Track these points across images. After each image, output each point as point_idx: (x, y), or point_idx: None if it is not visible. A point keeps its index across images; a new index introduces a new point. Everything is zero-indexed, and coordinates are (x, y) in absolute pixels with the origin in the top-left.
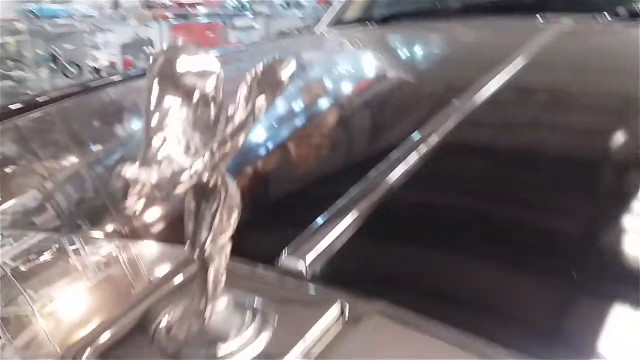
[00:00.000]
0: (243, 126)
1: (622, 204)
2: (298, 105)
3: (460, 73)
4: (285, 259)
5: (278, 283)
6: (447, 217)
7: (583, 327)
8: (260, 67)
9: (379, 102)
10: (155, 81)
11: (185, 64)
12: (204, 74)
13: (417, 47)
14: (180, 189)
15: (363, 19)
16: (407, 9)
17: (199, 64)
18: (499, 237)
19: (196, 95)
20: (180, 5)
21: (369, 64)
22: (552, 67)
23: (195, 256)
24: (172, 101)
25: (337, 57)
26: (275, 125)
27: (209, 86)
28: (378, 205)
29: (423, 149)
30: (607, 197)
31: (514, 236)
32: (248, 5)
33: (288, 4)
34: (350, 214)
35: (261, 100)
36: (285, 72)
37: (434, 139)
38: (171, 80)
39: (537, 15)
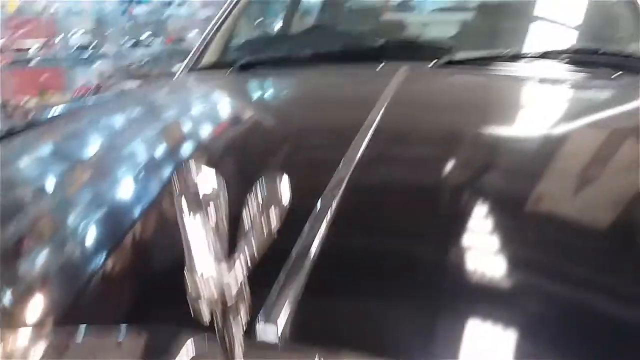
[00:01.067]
0: (262, 240)
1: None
2: (163, 159)
3: (323, 120)
4: (261, 328)
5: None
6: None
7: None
8: (263, 187)
9: (243, 150)
10: (183, 201)
11: (202, 183)
12: (216, 191)
13: (280, 94)
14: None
15: (222, 65)
16: (263, 57)
17: (211, 182)
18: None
19: (212, 209)
20: (18, 50)
21: (230, 113)
22: (411, 111)
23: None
24: (198, 217)
25: (196, 107)
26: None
27: (222, 200)
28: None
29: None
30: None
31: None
32: (92, 47)
33: (136, 44)
34: (303, 271)
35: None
36: (285, 192)
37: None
38: (194, 199)
39: (379, 62)
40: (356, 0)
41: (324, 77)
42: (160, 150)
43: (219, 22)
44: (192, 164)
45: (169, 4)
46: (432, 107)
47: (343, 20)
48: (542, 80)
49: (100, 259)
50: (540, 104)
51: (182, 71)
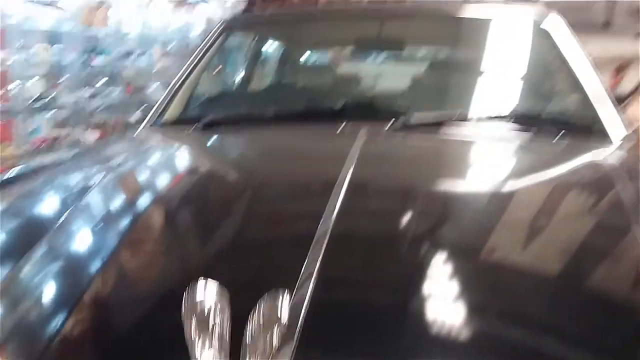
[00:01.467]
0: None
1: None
2: (125, 217)
3: (299, 178)
4: None
5: None
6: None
7: None
8: (261, 307)
9: (224, 211)
10: (191, 323)
11: (208, 302)
12: (222, 307)
13: (250, 153)
14: None
15: (184, 121)
16: (226, 115)
17: (217, 299)
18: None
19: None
20: None
21: (201, 173)
22: (377, 170)
23: None
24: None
25: (165, 168)
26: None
27: (227, 316)
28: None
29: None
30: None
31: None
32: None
33: (94, 96)
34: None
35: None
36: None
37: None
38: (201, 321)
39: (339, 122)
40: (313, 60)
41: (290, 137)
42: (126, 213)
43: (182, 78)
44: (200, 284)
45: (129, 54)
46: (396, 166)
47: (302, 80)
48: (490, 141)
49: (60, 319)
50: (489, 163)
51: (144, 126)
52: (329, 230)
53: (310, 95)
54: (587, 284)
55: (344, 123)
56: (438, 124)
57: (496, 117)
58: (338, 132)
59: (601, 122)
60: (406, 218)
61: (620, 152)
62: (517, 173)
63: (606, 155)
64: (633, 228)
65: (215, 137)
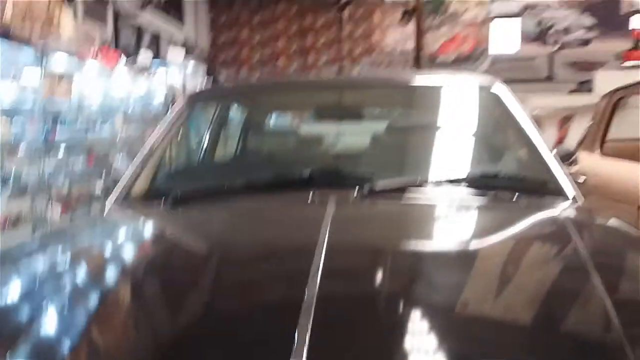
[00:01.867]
0: None
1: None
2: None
3: (281, 247)
4: None
5: None
6: None
7: None
8: None
9: (214, 282)
10: None
11: None
12: None
13: (225, 226)
14: None
15: (152, 196)
16: (196, 189)
17: None
18: None
19: None
20: None
21: (171, 250)
22: (350, 235)
23: None
24: None
25: (134, 249)
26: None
27: None
28: None
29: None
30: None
31: None
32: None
33: (56, 167)
34: None
35: None
36: None
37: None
38: None
39: (308, 191)
40: (278, 130)
41: (263, 209)
42: (105, 303)
43: (149, 151)
44: None
45: (92, 124)
46: (368, 232)
47: (268, 150)
48: (451, 204)
49: None
50: (458, 224)
51: (112, 201)
52: (315, 297)
53: (277, 166)
54: (556, 328)
55: (312, 192)
56: (401, 190)
57: (456, 181)
58: (309, 201)
59: (556, 180)
60: (385, 279)
61: (575, 206)
62: (483, 232)
63: (564, 210)
64: (592, 276)
65: (186, 213)
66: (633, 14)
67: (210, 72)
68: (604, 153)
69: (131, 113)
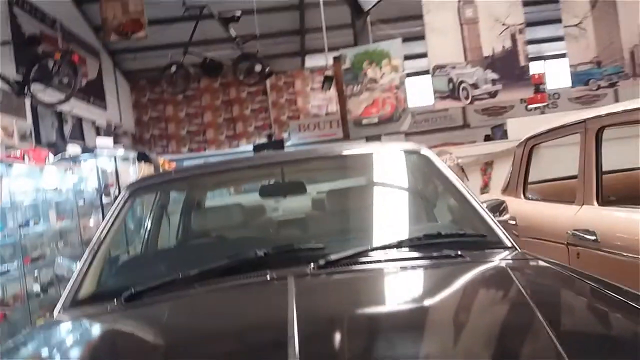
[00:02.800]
0: None
1: None
2: None
3: (252, 332)
4: None
5: None
6: None
7: None
8: None
9: None
10: None
11: None
12: None
13: (182, 320)
14: None
15: (101, 297)
16: (148, 284)
17: None
18: None
19: None
20: None
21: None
22: (318, 309)
23: None
24: None
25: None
26: None
27: None
28: None
29: None
30: None
31: None
32: None
33: None
34: None
35: None
36: None
37: None
38: None
39: (264, 270)
40: (221, 213)
41: (223, 295)
42: None
43: (94, 249)
44: None
45: (25, 224)
46: (331, 300)
47: (214, 235)
48: (400, 267)
49: None
50: (407, 286)
51: (60, 309)
52: None
53: (227, 248)
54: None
55: (268, 271)
56: (352, 258)
57: (402, 244)
58: (268, 280)
59: (495, 233)
60: (358, 341)
61: (513, 254)
62: (435, 290)
63: (504, 259)
64: (535, 312)
65: (143, 311)
66: (531, 61)
67: (140, 156)
68: (526, 197)
69: (64, 206)
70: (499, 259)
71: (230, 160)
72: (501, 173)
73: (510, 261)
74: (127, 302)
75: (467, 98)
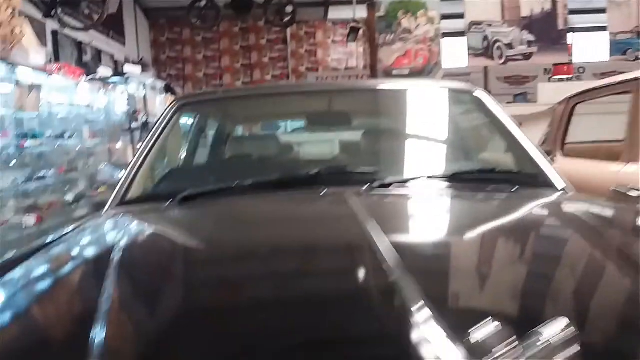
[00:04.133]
0: None
1: None
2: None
3: (327, 241)
4: None
5: None
6: None
7: None
8: None
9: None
10: None
11: None
12: None
13: (249, 223)
14: None
15: (155, 198)
16: (204, 188)
17: None
18: None
19: None
20: None
21: (206, 249)
22: (397, 224)
23: None
24: None
25: (161, 244)
26: None
27: None
28: None
29: None
30: None
31: None
32: None
33: (29, 179)
34: None
35: None
36: None
37: None
38: None
39: (320, 187)
40: (267, 133)
41: (285, 202)
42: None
43: (142, 156)
44: None
45: (61, 136)
46: (408, 221)
47: (264, 151)
48: (458, 196)
49: None
50: (471, 213)
51: (109, 207)
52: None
53: (278, 167)
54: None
55: (323, 187)
56: (408, 183)
57: (457, 175)
58: (323, 195)
59: (545, 174)
60: (465, 262)
61: (567, 196)
62: (499, 216)
63: (560, 197)
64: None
65: (202, 210)
66: (569, 32)
67: (167, 87)
68: (565, 155)
69: (95, 126)
70: (556, 197)
71: (280, 85)
72: (530, 136)
73: (569, 200)
74: (183, 203)
75: (500, 57)
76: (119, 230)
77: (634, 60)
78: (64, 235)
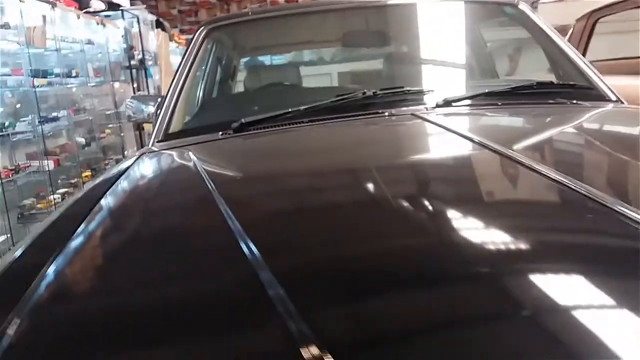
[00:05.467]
0: None
1: None
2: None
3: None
4: None
5: None
6: None
7: None
8: None
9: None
10: None
11: None
12: None
13: (325, 146)
14: None
15: (201, 130)
16: (258, 117)
17: None
18: None
19: None
20: None
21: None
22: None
23: None
24: None
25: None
26: None
27: None
28: None
29: None
30: None
31: None
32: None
33: (45, 119)
34: None
35: None
36: None
37: None
38: None
39: (379, 110)
40: (309, 57)
41: (357, 128)
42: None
43: (177, 88)
44: None
45: (69, 74)
46: (498, 133)
47: (311, 76)
48: (526, 111)
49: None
50: (547, 123)
51: (152, 141)
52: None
53: (328, 91)
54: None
55: (386, 111)
56: (469, 100)
57: (520, 89)
58: (394, 118)
59: (600, 87)
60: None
61: (621, 106)
62: (574, 126)
63: (619, 110)
64: None
65: (262, 138)
66: None
67: (157, 23)
68: None
69: (97, 62)
70: (612, 107)
71: (310, 3)
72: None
73: (623, 109)
74: (237, 132)
75: None
76: (192, 162)
77: None
78: (129, 167)
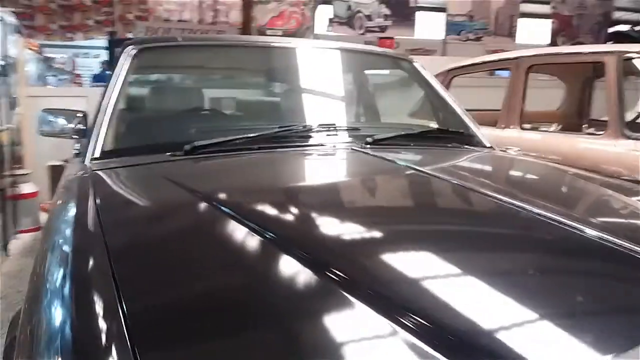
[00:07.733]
0: None
1: None
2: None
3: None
4: None
5: None
6: None
7: None
8: None
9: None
10: None
11: None
12: None
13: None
14: None
15: (142, 150)
16: (210, 141)
17: None
18: None
19: None
20: None
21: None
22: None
23: None
24: None
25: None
26: None
27: None
28: None
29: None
30: None
31: None
32: None
33: None
34: None
35: None
36: None
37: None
38: None
39: (314, 143)
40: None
41: (301, 158)
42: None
43: (106, 107)
44: None
45: None
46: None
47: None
48: (429, 151)
49: None
50: (435, 159)
51: (87, 159)
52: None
53: (268, 118)
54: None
55: (320, 144)
56: (390, 140)
57: (429, 133)
58: (340, 152)
59: (478, 135)
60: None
61: (496, 150)
62: (458, 162)
63: (498, 154)
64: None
65: (213, 161)
66: (418, 10)
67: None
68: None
69: None
70: (489, 152)
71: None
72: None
73: (495, 153)
74: (188, 154)
75: (360, 28)
76: (166, 183)
77: (466, 41)
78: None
